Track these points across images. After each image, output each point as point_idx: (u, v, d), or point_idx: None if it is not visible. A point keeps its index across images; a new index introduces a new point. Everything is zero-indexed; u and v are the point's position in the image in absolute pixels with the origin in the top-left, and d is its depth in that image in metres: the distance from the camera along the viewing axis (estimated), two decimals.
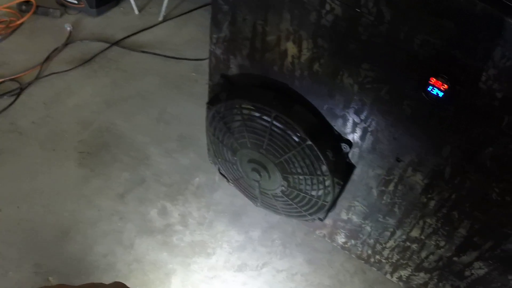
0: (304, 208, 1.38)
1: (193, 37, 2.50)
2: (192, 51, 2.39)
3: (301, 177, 1.28)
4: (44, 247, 1.59)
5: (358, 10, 0.96)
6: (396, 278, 1.53)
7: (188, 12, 2.65)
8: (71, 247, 1.60)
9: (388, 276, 1.55)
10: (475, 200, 1.11)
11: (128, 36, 2.46)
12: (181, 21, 2.62)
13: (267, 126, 1.22)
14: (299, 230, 1.72)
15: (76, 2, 2.52)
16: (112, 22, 2.56)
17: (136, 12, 2.63)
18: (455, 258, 1.29)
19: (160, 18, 2.59)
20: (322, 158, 1.20)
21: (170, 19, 2.62)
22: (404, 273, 1.48)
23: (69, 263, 1.56)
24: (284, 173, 1.31)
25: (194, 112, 2.08)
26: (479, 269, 1.26)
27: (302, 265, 1.65)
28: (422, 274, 1.43)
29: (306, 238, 1.71)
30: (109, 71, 2.26)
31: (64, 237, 1.62)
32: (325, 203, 1.31)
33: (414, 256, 1.39)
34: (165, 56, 2.36)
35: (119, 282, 0.59)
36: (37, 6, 2.51)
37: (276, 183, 1.37)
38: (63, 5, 2.58)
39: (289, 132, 1.19)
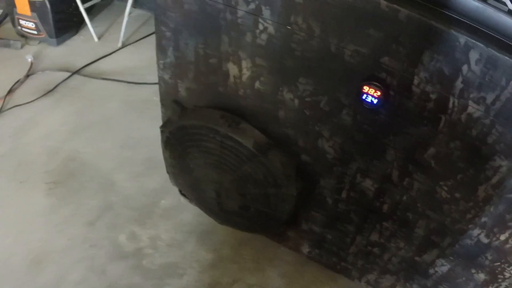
0: (263, 222, 1.40)
1: (153, 61, 2.45)
2: (153, 75, 2.35)
3: (256, 191, 1.30)
4: (17, 278, 1.58)
5: (289, 27, 0.99)
6: (365, 282, 1.55)
7: (147, 36, 2.69)
8: (44, 276, 1.59)
9: (357, 281, 1.56)
10: (426, 199, 1.14)
11: (89, 64, 2.47)
12: (140, 45, 2.64)
13: (218, 145, 1.24)
14: (269, 245, 1.73)
15: (36, 32, 2.53)
16: (73, 51, 2.58)
17: (96, 39, 2.65)
18: (417, 258, 1.31)
19: (120, 44, 2.62)
20: (273, 172, 1.22)
21: (130, 44, 2.64)
22: (371, 277, 1.50)
23: None
24: (239, 189, 1.33)
25: (157, 136, 2.04)
26: (442, 266, 1.28)
27: (274, 278, 1.66)
28: (388, 276, 1.45)
29: (276, 251, 1.72)
30: (72, 100, 2.27)
31: (36, 267, 1.61)
32: (282, 215, 1.33)
33: (377, 260, 1.40)
34: (126, 81, 2.38)
35: None
36: None
37: (233, 200, 1.39)
38: (23, 36, 2.59)
39: (239, 149, 1.21)
